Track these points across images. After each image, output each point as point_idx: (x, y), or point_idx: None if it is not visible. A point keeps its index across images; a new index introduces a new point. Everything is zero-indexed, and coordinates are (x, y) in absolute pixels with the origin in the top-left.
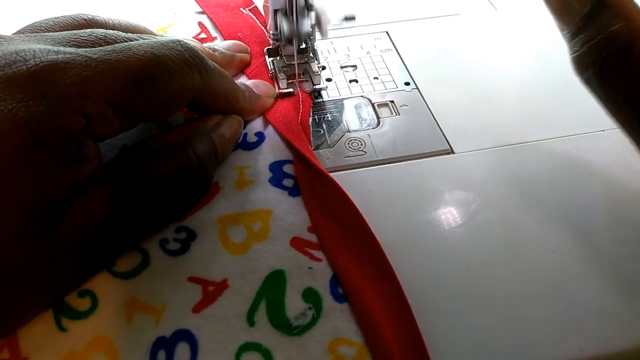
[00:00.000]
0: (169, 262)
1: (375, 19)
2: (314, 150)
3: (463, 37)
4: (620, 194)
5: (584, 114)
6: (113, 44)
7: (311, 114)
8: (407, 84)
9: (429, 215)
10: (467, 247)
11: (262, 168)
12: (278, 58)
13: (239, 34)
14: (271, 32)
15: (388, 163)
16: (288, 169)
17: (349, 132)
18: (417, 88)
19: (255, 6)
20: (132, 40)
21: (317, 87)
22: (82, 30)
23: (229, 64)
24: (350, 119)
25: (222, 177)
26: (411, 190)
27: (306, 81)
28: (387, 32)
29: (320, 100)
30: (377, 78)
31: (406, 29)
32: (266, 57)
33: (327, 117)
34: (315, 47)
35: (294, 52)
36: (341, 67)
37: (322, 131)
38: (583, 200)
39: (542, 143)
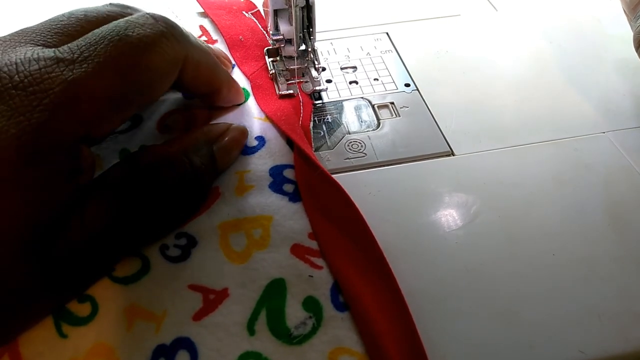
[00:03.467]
0: (169, 268)
1: (376, 19)
2: (313, 151)
3: (463, 38)
4: (620, 196)
5: (584, 115)
6: (95, 22)
7: (312, 118)
8: (407, 85)
9: (429, 217)
10: (467, 249)
11: (262, 173)
12: (278, 59)
13: (240, 37)
14: (271, 32)
15: (388, 165)
16: (288, 173)
17: (349, 133)
18: (418, 89)
19: (258, 10)
20: (111, 16)
21: (317, 89)
22: (62, 15)
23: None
24: (350, 120)
25: (222, 182)
26: (411, 192)
27: (306, 82)
28: (387, 33)
29: (321, 102)
30: (377, 79)
31: (406, 30)
32: (266, 57)
33: (327, 119)
34: (315, 48)
35: (294, 50)
36: (341, 69)
37: (322, 133)
38: (583, 203)
39: (542, 145)
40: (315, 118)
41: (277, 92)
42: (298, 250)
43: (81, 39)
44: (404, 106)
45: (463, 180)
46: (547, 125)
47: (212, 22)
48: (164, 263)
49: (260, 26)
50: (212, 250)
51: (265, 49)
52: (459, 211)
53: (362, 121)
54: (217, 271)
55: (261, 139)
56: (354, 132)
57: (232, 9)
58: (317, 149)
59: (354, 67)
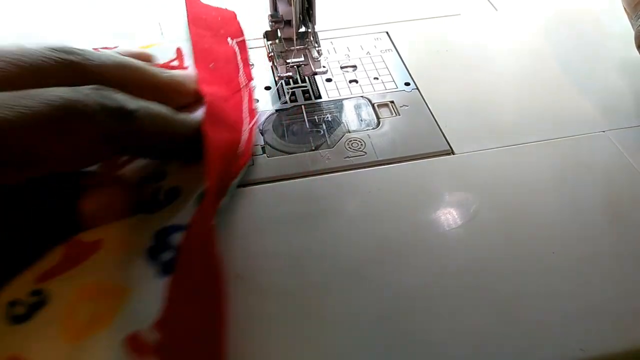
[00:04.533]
0: (4, 330)
1: (375, 19)
2: (313, 149)
3: (463, 38)
4: (620, 195)
5: (584, 114)
6: (29, 67)
7: (307, 118)
8: (407, 84)
9: (429, 216)
10: (467, 248)
11: (149, 232)
12: (277, 42)
13: (211, 64)
14: (270, 14)
15: (388, 164)
16: (176, 238)
17: (349, 132)
18: (417, 88)
19: (244, 39)
20: (45, 65)
21: (317, 71)
22: (8, 48)
23: (176, 88)
24: (350, 119)
25: (108, 236)
26: (411, 191)
27: (306, 65)
28: (387, 33)
29: (320, 100)
30: (377, 78)
31: (406, 29)
32: (264, 40)
33: (327, 117)
34: (316, 30)
35: (293, 32)
36: (341, 68)
37: (322, 131)
38: (583, 201)
39: (542, 144)
40: (315, 116)
41: (278, 74)
42: (134, 342)
43: (13, 93)
44: (404, 105)
45: (463, 179)
46: (547, 124)
47: (190, 42)
48: (3, 322)
49: (239, 57)
50: (53, 319)
51: (264, 31)
52: (458, 210)
53: (362, 120)
54: (44, 348)
55: (176, 192)
56: (354, 131)
57: (219, 33)
58: (317, 148)
59: (354, 66)
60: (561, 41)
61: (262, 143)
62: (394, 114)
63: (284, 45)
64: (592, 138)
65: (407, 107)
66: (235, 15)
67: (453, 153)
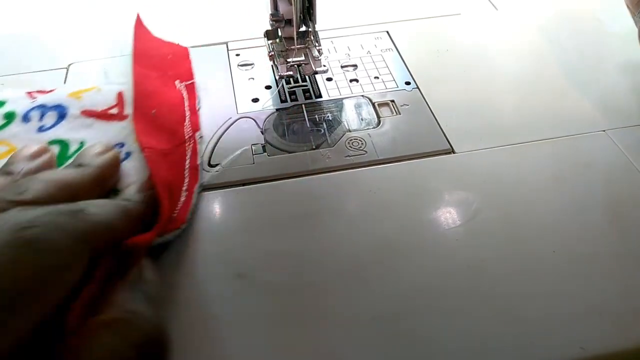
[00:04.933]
0: None
1: (376, 18)
2: (313, 148)
3: (463, 37)
4: (620, 194)
5: (584, 113)
6: None
7: (307, 117)
8: (407, 83)
9: (429, 215)
10: (467, 247)
11: None
12: (278, 41)
13: (153, 111)
14: (270, 13)
15: (389, 162)
16: None
17: (350, 131)
18: (418, 87)
19: (193, 82)
20: None
21: (318, 70)
22: None
23: (104, 174)
24: (351, 118)
25: None
26: (412, 190)
27: (306, 64)
28: (387, 32)
29: (321, 99)
30: (377, 77)
31: (407, 29)
32: (265, 39)
33: (328, 117)
34: (317, 30)
35: (294, 31)
36: (342, 67)
37: (323, 130)
38: (583, 200)
39: (542, 143)
40: (316, 116)
41: (278, 73)
42: None
43: None
44: (404, 104)
45: (463, 178)
46: (547, 123)
47: (133, 86)
48: None
49: (186, 103)
50: None
51: (265, 30)
52: (459, 209)
53: (362, 119)
54: None
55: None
56: (355, 130)
57: (167, 74)
58: (317, 147)
59: (355, 66)
60: (561, 41)
61: (263, 142)
62: (395, 113)
63: (285, 45)
64: (592, 137)
65: (407, 106)
66: (188, 53)
67: (453, 152)
